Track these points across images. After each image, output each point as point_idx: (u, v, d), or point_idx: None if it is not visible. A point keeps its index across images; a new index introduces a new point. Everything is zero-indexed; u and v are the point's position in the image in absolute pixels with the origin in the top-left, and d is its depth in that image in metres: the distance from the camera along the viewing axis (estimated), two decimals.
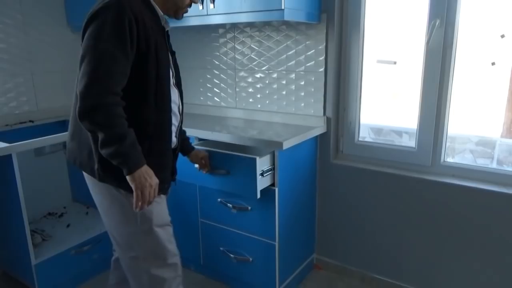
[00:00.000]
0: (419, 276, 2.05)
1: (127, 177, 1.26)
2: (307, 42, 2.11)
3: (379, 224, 2.13)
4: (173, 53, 1.49)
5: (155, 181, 1.31)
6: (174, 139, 1.50)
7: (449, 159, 2.02)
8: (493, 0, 1.83)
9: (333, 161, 2.24)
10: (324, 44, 2.06)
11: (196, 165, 1.86)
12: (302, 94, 2.20)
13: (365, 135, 3.45)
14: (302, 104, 2.21)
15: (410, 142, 3.32)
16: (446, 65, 1.87)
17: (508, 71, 2.12)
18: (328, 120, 2.18)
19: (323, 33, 2.06)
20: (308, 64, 2.14)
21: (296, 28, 2.13)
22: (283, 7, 1.72)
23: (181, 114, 1.54)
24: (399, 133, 3.34)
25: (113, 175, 1.31)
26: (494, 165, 2.91)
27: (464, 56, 1.88)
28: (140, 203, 1.28)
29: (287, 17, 1.76)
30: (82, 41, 1.25)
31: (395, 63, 2.09)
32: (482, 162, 2.97)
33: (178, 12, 1.46)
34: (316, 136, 2.19)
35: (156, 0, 1.39)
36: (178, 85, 1.51)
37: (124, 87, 1.25)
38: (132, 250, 1.43)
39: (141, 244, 1.42)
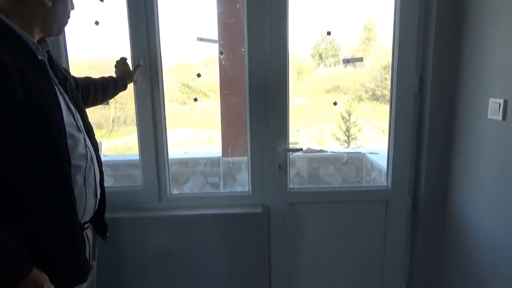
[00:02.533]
0: None
1: None
2: None
3: (127, 270, 2.01)
4: (64, 81, 1.19)
5: None
6: (91, 203, 1.21)
7: (175, 191, 2.10)
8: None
9: None
10: None
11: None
12: None
13: None
14: None
15: None
16: (155, 102, 1.93)
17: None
18: None
19: None
20: None
21: None
22: None
23: (91, 158, 1.22)
24: (136, 165, 3.35)
25: None
26: (221, 182, 3.33)
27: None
28: None
29: None
30: None
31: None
32: (212, 180, 3.36)
33: (62, 28, 1.18)
34: None
35: (20, 23, 1.04)
36: (86, 127, 1.25)
37: None
38: None
39: None
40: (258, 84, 1.92)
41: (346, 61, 1.96)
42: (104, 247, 1.90)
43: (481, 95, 1.65)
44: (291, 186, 2.04)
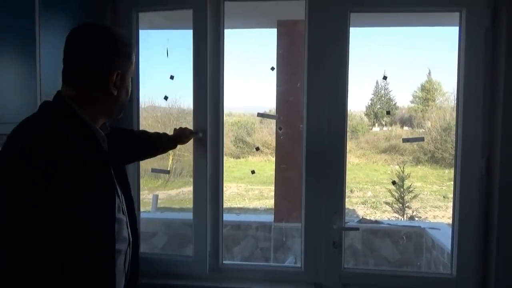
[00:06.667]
0: None
1: None
2: None
3: None
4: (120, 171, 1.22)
5: None
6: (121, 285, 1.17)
7: (226, 261, 2.09)
8: None
9: None
10: None
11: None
12: None
13: (156, 230, 3.40)
14: None
15: None
16: (213, 160, 2.00)
17: None
18: None
19: None
20: None
21: None
22: None
23: (130, 241, 1.20)
24: (190, 224, 3.42)
25: None
26: (272, 248, 3.28)
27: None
28: None
29: None
30: None
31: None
32: (262, 245, 3.33)
33: (122, 110, 1.19)
34: None
35: (87, 111, 1.08)
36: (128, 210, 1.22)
37: None
38: None
39: None
40: (315, 160, 1.93)
41: (406, 141, 1.92)
42: None
43: None
44: (345, 266, 1.96)
